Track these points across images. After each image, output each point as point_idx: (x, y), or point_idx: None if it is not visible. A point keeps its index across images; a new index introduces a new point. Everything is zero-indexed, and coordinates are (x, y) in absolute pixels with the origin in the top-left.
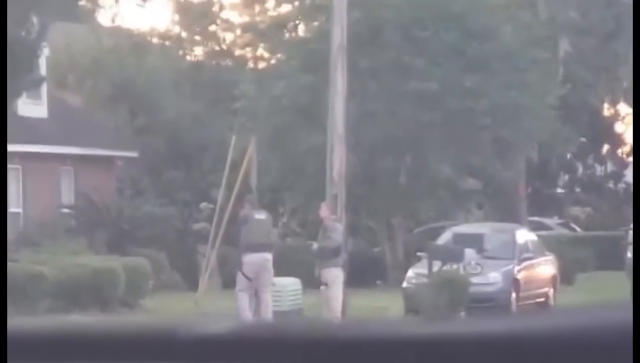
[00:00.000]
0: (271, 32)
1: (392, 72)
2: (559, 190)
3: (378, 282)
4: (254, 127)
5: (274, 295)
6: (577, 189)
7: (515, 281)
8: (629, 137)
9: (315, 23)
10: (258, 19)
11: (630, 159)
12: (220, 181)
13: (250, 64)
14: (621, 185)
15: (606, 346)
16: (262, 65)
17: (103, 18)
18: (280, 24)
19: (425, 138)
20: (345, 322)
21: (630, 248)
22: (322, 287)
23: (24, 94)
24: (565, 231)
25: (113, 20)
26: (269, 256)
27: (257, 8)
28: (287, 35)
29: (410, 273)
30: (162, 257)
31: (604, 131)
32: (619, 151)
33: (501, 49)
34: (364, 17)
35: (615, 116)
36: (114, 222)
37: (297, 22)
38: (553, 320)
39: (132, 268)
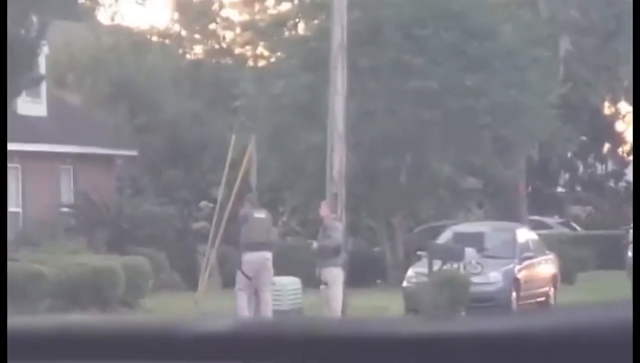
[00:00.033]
0: (271, 31)
1: (392, 71)
2: (560, 189)
3: (378, 281)
4: (253, 126)
5: (274, 294)
6: (578, 188)
7: (516, 281)
8: (629, 136)
9: (315, 21)
10: (258, 17)
11: (631, 158)
12: (220, 180)
13: (250, 63)
14: (622, 184)
15: (606, 345)
16: (262, 63)
17: (102, 17)
18: (280, 22)
19: (425, 137)
20: (345, 320)
21: (631, 247)
22: (322, 286)
23: (24, 93)
24: (565, 230)
25: (112, 19)
26: (268, 255)
27: (256, 6)
28: (287, 33)
29: (410, 272)
30: (161, 256)
31: (605, 129)
32: (620, 150)
33: (501, 48)
34: (364, 16)
35: (616, 115)
36: (113, 221)
37: (297, 20)
38: (553, 319)
39: (131, 267)
